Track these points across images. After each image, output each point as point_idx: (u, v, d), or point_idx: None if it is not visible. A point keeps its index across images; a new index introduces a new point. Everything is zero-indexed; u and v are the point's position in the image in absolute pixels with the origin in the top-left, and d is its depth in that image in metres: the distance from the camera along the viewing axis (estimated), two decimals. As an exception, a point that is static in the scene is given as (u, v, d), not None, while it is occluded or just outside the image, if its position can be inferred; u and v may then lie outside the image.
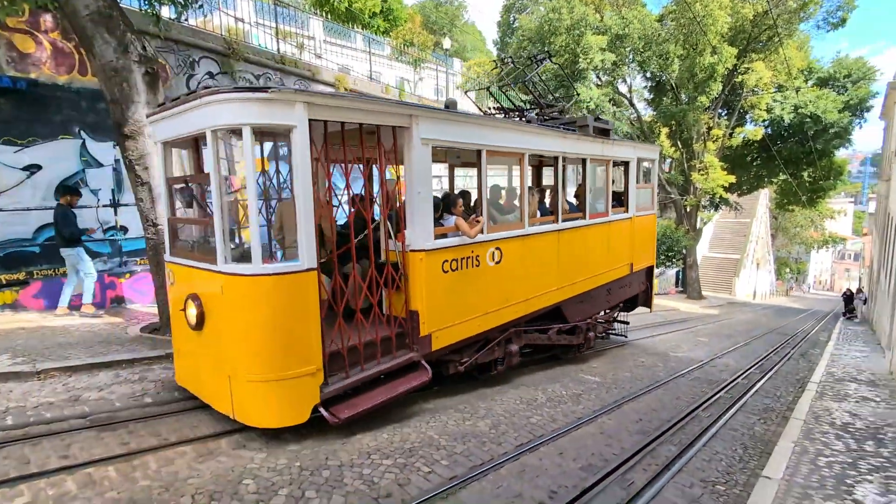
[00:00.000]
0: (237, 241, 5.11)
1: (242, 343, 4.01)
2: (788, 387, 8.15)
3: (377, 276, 4.83)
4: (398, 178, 5.41)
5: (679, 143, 25.89)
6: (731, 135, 25.44)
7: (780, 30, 21.67)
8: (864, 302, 22.64)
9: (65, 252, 7.79)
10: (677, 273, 30.70)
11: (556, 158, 6.85)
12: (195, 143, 4.76)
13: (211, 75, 10.91)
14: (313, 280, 4.09)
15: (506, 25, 25.98)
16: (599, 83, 23.73)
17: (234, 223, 4.80)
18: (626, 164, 8.59)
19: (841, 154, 27.58)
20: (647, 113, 27.77)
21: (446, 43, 24.65)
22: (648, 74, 24.81)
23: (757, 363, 9.95)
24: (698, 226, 27.21)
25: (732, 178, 24.06)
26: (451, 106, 5.90)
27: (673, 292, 30.45)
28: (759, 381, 8.32)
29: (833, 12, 22.56)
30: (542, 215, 6.90)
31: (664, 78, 23.52)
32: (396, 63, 24.95)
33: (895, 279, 11.33)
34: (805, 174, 27.32)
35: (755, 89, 23.50)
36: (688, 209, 26.08)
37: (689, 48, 21.33)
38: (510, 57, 12.01)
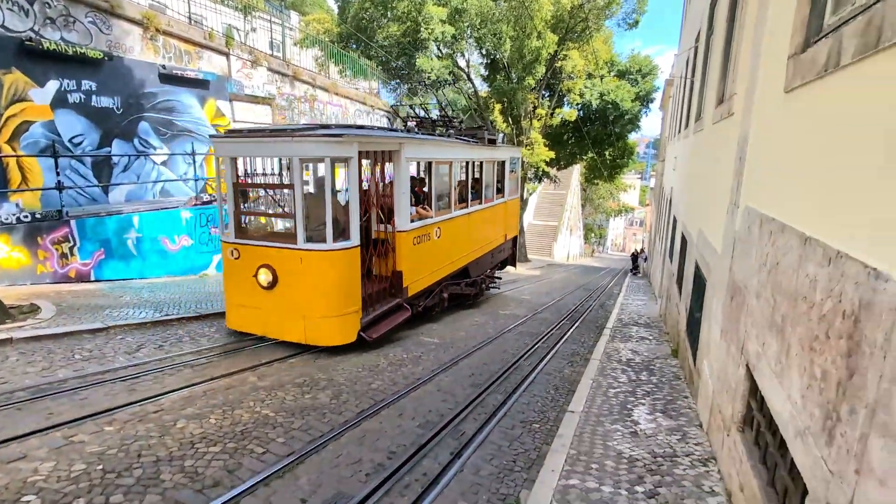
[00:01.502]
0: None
1: (317, 293, 6.19)
2: (590, 333, 9.60)
3: (381, 248, 7.34)
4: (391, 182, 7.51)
5: (510, 119, 27.96)
6: (552, 115, 28.32)
7: (591, 23, 24.53)
8: (646, 260, 27.79)
9: None
10: (508, 239, 33.70)
11: (467, 162, 9.94)
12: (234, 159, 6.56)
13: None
14: (358, 252, 6.41)
15: (347, -17, 24.62)
16: (440, 55, 24.17)
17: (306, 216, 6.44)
18: (503, 162, 12.29)
19: (632, 137, 32.77)
20: (483, 88, 29.27)
21: (281, -8, 22.45)
22: (484, 51, 26.07)
23: (568, 315, 11.52)
24: (525, 196, 30.09)
25: (552, 154, 27.04)
26: (410, 130, 8.48)
27: (504, 256, 33.42)
28: (568, 330, 9.64)
29: (630, 13, 26.27)
30: (459, 202, 9.61)
31: (498, 56, 24.97)
32: (223, 7, 21.97)
33: (664, 241, 14.08)
34: (607, 153, 31.88)
35: (571, 75, 26.39)
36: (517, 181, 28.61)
37: (520, 30, 22.90)
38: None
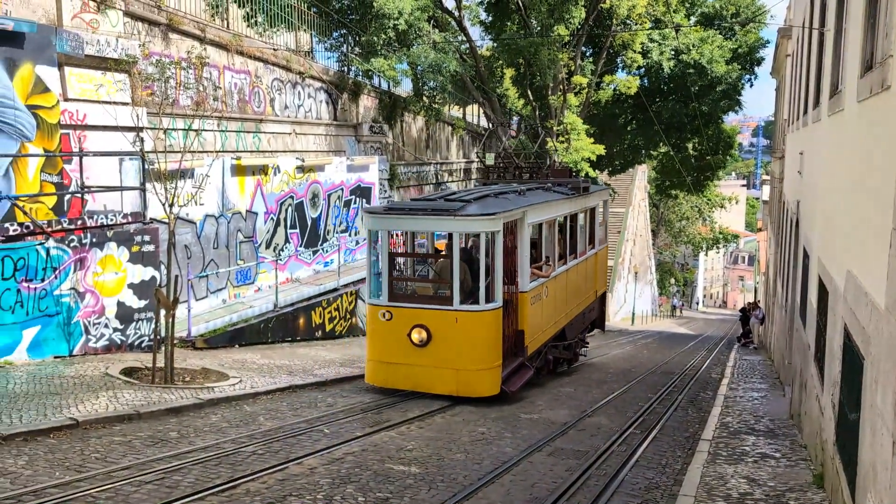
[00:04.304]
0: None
1: (471, 349, 11.35)
2: (676, 449, 9.67)
3: (507, 308, 12.19)
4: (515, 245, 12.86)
5: (530, 93, 28.67)
6: (598, 86, 29.09)
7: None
8: (762, 321, 28.01)
9: None
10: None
11: (566, 217, 15.48)
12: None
13: None
14: (501, 312, 11.71)
15: None
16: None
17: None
18: (594, 209, 18.56)
19: (730, 120, 33.71)
20: (484, 44, 30.10)
21: None
22: (485, -16, 27.02)
23: (637, 419, 11.54)
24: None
25: (601, 149, 27.58)
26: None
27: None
28: (639, 445, 9.65)
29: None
30: (559, 259, 14.96)
31: (507, -8, 25.84)
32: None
33: (789, 291, 14.23)
34: (690, 146, 32.66)
35: (627, 21, 27.31)
36: (543, 193, 29.10)
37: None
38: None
